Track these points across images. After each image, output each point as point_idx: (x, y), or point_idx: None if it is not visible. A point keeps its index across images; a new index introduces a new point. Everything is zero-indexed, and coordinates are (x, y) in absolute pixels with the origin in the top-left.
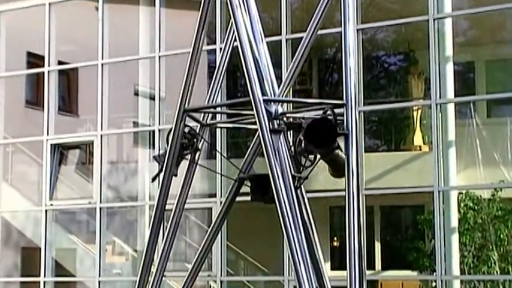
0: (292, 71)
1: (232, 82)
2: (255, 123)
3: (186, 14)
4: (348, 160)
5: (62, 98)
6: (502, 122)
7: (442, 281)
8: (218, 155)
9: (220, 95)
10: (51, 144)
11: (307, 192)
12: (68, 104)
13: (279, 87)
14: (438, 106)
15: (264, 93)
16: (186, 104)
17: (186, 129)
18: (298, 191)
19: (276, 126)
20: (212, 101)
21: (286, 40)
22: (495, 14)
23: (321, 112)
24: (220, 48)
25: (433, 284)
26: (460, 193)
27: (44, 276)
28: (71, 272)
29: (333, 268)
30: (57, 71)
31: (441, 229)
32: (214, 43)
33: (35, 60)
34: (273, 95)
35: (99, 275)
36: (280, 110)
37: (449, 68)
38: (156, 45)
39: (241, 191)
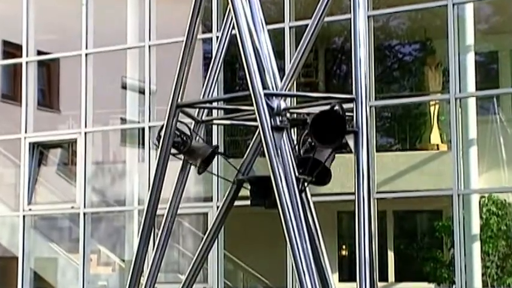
0: (297, 62)
1: (230, 74)
2: (255, 119)
3: None
4: (358, 160)
5: (41, 92)
6: None
7: None
8: None
9: (216, 88)
10: (30, 143)
11: (312, 195)
12: (49, 98)
13: (281, 80)
14: (458, 101)
15: (265, 87)
16: (179, 98)
17: (180, 126)
18: (303, 195)
19: (278, 122)
20: (208, 95)
21: (290, 28)
22: None
23: (328, 107)
24: (217, 37)
25: None
26: (482, 197)
27: None
28: (52, 284)
29: (341, 280)
30: (36, 62)
31: (461, 237)
32: (211, 31)
33: (11, 49)
34: (275, 89)
35: None
36: (283, 105)
37: (470, 59)
38: (145, 34)
39: (240, 194)
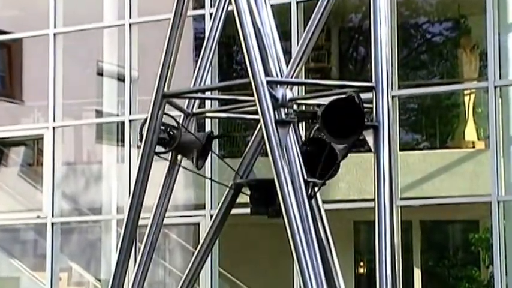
0: (305, 44)
1: (226, 58)
2: (255, 112)
3: None
4: (378, 161)
5: (1, 79)
6: None
7: None
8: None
9: (210, 75)
10: None
11: (324, 202)
12: (9, 86)
13: (287, 66)
14: (497, 89)
15: (267, 73)
16: (166, 86)
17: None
18: (313, 201)
19: (283, 116)
20: (200, 83)
21: (297, 3)
22: None
23: (342, 96)
24: (211, 14)
25: None
26: None
27: None
28: None
29: None
30: None
31: (501, 251)
32: (203, 7)
33: None
34: (279, 76)
35: None
36: (289, 95)
37: None
38: (125, 10)
39: (238, 200)
